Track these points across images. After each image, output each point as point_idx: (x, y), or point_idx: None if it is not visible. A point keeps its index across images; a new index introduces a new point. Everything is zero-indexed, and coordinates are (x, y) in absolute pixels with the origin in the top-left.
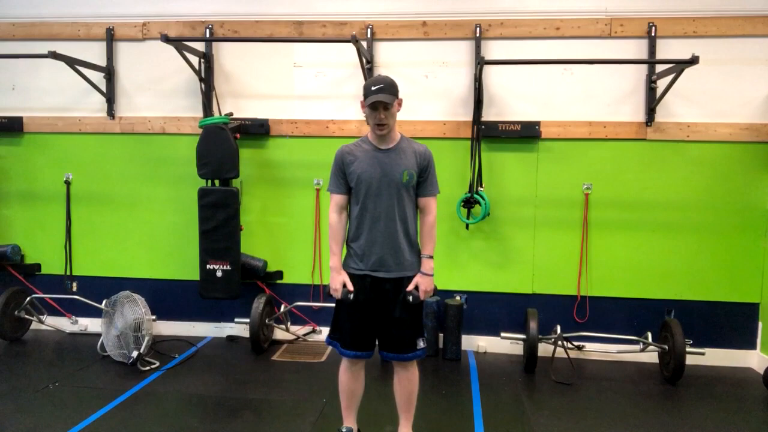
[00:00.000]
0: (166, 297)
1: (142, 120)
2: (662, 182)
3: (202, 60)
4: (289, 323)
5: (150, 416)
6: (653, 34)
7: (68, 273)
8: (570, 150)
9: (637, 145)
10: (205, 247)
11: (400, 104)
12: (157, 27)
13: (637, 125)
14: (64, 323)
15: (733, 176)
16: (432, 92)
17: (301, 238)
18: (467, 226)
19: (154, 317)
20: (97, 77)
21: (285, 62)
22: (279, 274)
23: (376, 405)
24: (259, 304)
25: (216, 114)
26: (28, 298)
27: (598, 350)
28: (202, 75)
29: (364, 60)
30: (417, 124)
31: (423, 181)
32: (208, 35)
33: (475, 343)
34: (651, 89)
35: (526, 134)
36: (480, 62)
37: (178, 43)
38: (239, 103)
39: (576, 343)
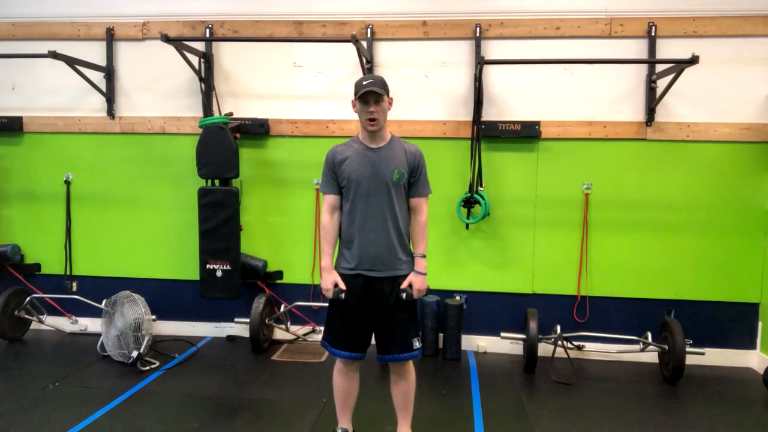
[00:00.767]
0: (166, 297)
1: (142, 120)
2: (662, 182)
3: (202, 60)
4: (289, 323)
5: (150, 416)
6: (653, 34)
7: (68, 273)
8: (570, 150)
9: (637, 145)
10: (205, 247)
11: (390, 102)
12: (157, 27)
13: (637, 125)
14: (64, 323)
15: (733, 176)
16: (432, 92)
17: (301, 238)
18: (467, 226)
19: (154, 317)
20: (97, 77)
21: (285, 62)
22: (279, 274)
23: (374, 405)
24: (259, 304)
25: (216, 114)
26: (28, 298)
27: (598, 350)
28: (202, 75)
29: (364, 60)
30: (417, 124)
31: (415, 181)
32: (208, 35)
33: (475, 343)
34: (651, 89)
35: (526, 134)
36: (480, 62)
37: (178, 42)
38: (239, 102)
39: (576, 343)
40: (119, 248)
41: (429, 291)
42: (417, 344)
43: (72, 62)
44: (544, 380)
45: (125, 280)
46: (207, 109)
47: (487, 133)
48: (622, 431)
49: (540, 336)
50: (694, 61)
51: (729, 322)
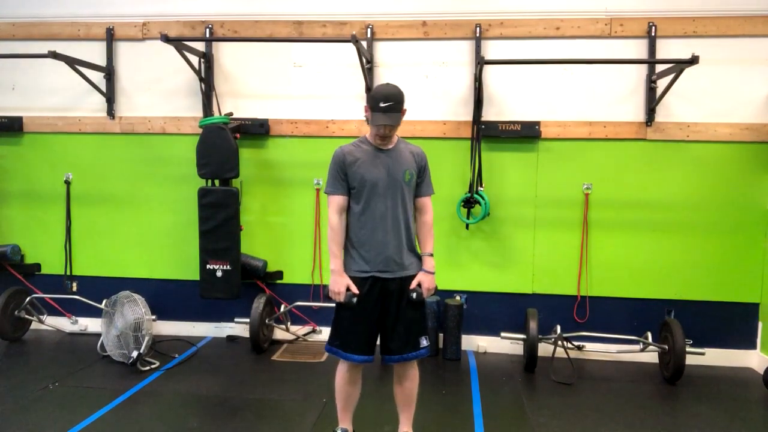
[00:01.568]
0: (166, 297)
1: (142, 120)
2: (662, 182)
3: (202, 60)
4: (289, 323)
5: (150, 416)
6: (653, 34)
7: (68, 273)
8: (570, 150)
9: (637, 145)
10: (205, 247)
11: (404, 112)
12: (157, 27)
13: (637, 125)
14: (64, 323)
15: (733, 176)
16: (432, 92)
17: (301, 238)
18: (467, 226)
19: (154, 317)
20: (97, 77)
21: (285, 62)
22: (279, 274)
23: (374, 404)
24: (259, 304)
25: (216, 114)
26: (28, 298)
27: (598, 350)
28: (202, 75)
29: (364, 60)
30: (417, 124)
31: (421, 181)
32: (208, 35)
33: (475, 343)
34: (651, 89)
35: (526, 134)
36: (480, 62)
37: (178, 42)
38: (239, 102)
39: (576, 343)
40: (119, 248)
41: (437, 290)
42: (425, 342)
43: (72, 62)
44: (544, 380)
45: (125, 280)
46: (207, 109)
47: (487, 133)
48: (622, 431)
49: (540, 336)
50: (694, 61)
51: (729, 322)
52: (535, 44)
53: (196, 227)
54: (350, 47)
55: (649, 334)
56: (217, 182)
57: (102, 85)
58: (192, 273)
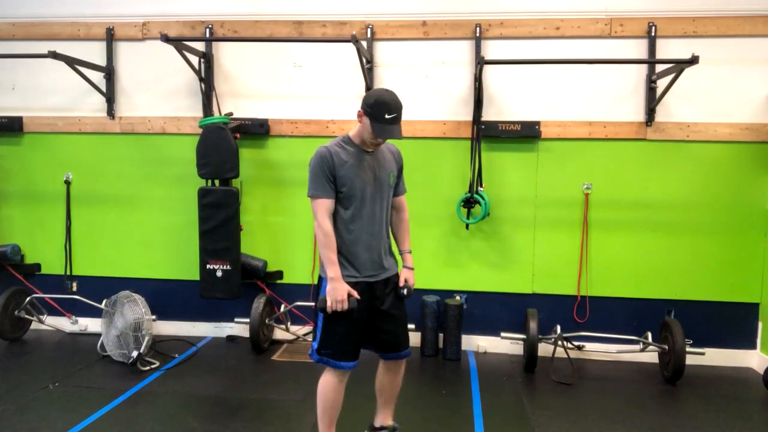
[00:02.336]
0: (166, 297)
1: (142, 120)
2: (662, 182)
3: (202, 60)
4: (289, 323)
5: (150, 416)
6: (653, 34)
7: (68, 273)
8: (570, 150)
9: (637, 145)
10: (205, 247)
11: None
12: (157, 27)
13: (637, 125)
14: (64, 323)
15: (733, 176)
16: (432, 92)
17: (301, 238)
18: (467, 226)
19: (154, 317)
20: (97, 77)
21: (285, 62)
22: (279, 274)
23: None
24: (259, 304)
25: (216, 114)
26: (28, 298)
27: (598, 350)
28: (202, 75)
29: (364, 60)
30: (417, 124)
31: (398, 181)
32: (208, 35)
33: (475, 343)
34: (651, 89)
35: (526, 134)
36: (480, 62)
37: (178, 42)
38: (239, 102)
39: (576, 343)
40: (119, 248)
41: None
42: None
43: (72, 62)
44: (544, 380)
45: (125, 280)
46: (207, 109)
47: (487, 133)
48: (622, 431)
49: (540, 336)
50: (694, 61)
51: (729, 322)
52: (535, 44)
53: (196, 227)
54: (350, 47)
55: (649, 334)
56: (217, 182)
57: (102, 85)
58: (192, 273)
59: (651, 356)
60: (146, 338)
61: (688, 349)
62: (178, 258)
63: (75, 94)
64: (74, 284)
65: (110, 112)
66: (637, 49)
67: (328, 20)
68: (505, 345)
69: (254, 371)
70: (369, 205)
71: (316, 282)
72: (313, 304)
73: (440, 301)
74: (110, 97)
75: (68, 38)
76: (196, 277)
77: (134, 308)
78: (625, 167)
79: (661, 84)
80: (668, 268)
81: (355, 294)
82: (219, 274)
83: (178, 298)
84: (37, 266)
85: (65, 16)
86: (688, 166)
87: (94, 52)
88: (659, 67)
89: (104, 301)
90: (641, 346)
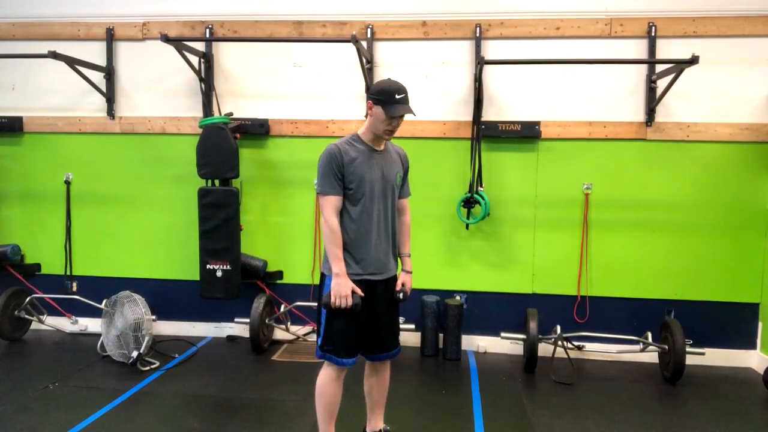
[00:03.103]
0: (166, 297)
1: (142, 120)
2: (662, 182)
3: (202, 60)
4: (289, 323)
5: (150, 416)
6: (653, 34)
7: (68, 273)
8: (570, 150)
9: (637, 145)
10: (205, 247)
11: None
12: (157, 27)
13: (637, 125)
14: (64, 323)
15: (733, 176)
16: (432, 92)
17: (301, 238)
18: (467, 226)
19: (154, 317)
20: (97, 77)
21: (285, 62)
22: (279, 274)
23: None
24: (259, 304)
25: (216, 114)
26: (28, 298)
27: (598, 350)
28: (202, 75)
29: (364, 60)
30: (417, 124)
31: (404, 183)
32: (208, 35)
33: (475, 343)
34: (651, 89)
35: (526, 134)
36: (480, 62)
37: (178, 43)
38: (239, 103)
39: (576, 343)
40: (119, 248)
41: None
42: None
43: (72, 62)
44: (544, 380)
45: (125, 280)
46: (207, 109)
47: (487, 133)
48: (622, 431)
49: (540, 336)
50: (694, 61)
51: (729, 322)
52: (535, 44)
53: (196, 227)
54: (350, 47)
55: (649, 334)
56: (217, 182)
57: (102, 85)
58: (192, 273)
59: (651, 356)
60: (146, 338)
61: (688, 349)
62: (178, 258)
63: (75, 94)
64: (74, 284)
65: (110, 112)
66: (637, 49)
67: (328, 20)
68: (505, 345)
69: (254, 371)
70: (376, 203)
71: (316, 282)
72: (314, 303)
73: (440, 301)
74: (110, 97)
75: (68, 38)
76: (196, 277)
77: (134, 308)
78: (625, 167)
79: (661, 84)
80: (668, 268)
81: (359, 291)
82: (219, 274)
83: (178, 298)
84: (37, 266)
85: (65, 16)
86: (688, 166)
87: (94, 52)
88: (659, 67)
89: (104, 301)
90: (641, 346)
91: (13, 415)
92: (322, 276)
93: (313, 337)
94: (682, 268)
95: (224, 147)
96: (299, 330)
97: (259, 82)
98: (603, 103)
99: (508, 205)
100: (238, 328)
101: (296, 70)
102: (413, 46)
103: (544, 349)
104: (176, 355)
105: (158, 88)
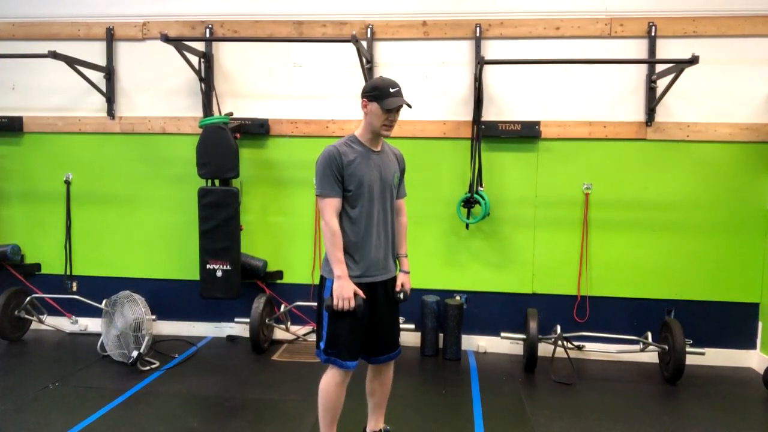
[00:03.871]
0: (166, 297)
1: (142, 120)
2: (662, 182)
3: (202, 60)
4: (289, 323)
5: (150, 416)
6: (653, 34)
7: (68, 273)
8: (570, 150)
9: (637, 145)
10: (205, 247)
11: None
12: (157, 27)
13: (637, 125)
14: (64, 323)
15: (733, 176)
16: (432, 92)
17: (301, 238)
18: (467, 226)
19: (154, 317)
20: (97, 77)
21: (285, 62)
22: (279, 274)
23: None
24: (259, 304)
25: (216, 114)
26: (28, 298)
27: (598, 350)
28: (202, 75)
29: (364, 60)
30: (417, 124)
31: (400, 183)
32: (208, 35)
33: (475, 343)
34: (651, 89)
35: (526, 134)
36: (480, 62)
37: (178, 42)
38: (239, 102)
39: (576, 343)
40: (119, 248)
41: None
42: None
43: (72, 62)
44: (544, 380)
45: (125, 280)
46: (207, 109)
47: (487, 133)
48: (622, 431)
49: (540, 336)
50: (694, 61)
51: (729, 322)
52: (535, 44)
53: (196, 227)
54: (350, 47)
55: (649, 334)
56: (217, 182)
57: (102, 85)
58: (192, 273)
59: (651, 356)
60: (146, 338)
61: (688, 349)
62: (178, 258)
63: (75, 94)
64: (74, 284)
65: (110, 112)
66: (637, 49)
67: (328, 20)
68: (505, 345)
69: (254, 371)
70: (376, 204)
71: (316, 282)
72: (314, 303)
73: (440, 301)
74: (110, 97)
75: (68, 38)
76: (196, 277)
77: (134, 308)
78: (625, 167)
79: (661, 84)
80: (668, 268)
81: (361, 293)
82: (219, 274)
83: (178, 298)
84: (37, 266)
85: (65, 16)
86: (688, 166)
87: (94, 52)
88: (659, 67)
89: (104, 301)
90: (641, 346)
91: (13, 415)
92: (322, 279)
93: (313, 337)
94: (682, 268)
95: (224, 147)
96: (299, 330)
97: (259, 82)
98: (603, 103)
99: (508, 205)
100: (238, 328)
101: (296, 70)
102: (413, 46)
103: (544, 349)
104: (176, 355)
105: (158, 88)
